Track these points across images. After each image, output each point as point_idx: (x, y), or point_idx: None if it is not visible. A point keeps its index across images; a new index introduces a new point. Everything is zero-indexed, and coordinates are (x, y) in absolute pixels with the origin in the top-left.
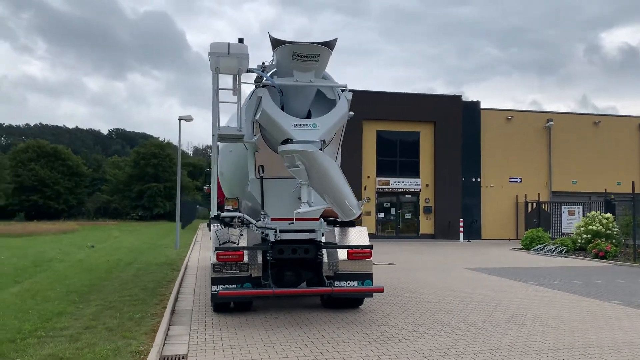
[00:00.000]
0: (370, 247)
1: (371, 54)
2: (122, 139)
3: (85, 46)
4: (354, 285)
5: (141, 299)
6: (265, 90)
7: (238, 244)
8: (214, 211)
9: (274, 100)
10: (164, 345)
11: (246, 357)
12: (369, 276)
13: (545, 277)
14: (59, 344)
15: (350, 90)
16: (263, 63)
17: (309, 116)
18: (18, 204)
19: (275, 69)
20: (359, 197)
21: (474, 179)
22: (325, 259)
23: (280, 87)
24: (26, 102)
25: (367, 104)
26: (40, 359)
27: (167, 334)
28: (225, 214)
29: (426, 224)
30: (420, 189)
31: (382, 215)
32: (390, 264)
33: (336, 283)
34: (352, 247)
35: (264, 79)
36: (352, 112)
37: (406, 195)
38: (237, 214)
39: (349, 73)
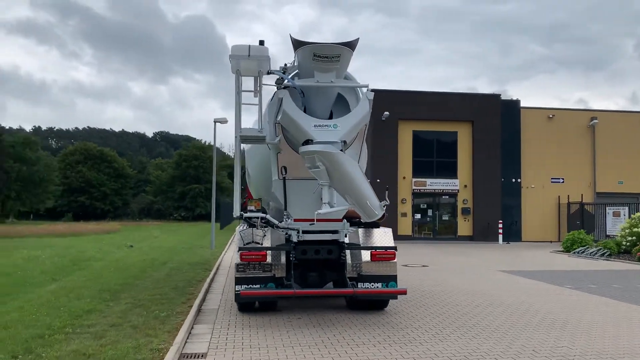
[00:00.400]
0: (395, 248)
1: (411, 53)
2: (166, 141)
3: (129, 51)
4: (377, 287)
5: (169, 297)
6: (286, 92)
7: (262, 244)
8: (236, 212)
9: (295, 101)
10: (185, 344)
11: (264, 356)
12: (393, 278)
13: (583, 281)
14: (84, 341)
15: (372, 90)
16: (285, 65)
17: (331, 117)
18: (66, 205)
19: (297, 71)
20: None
21: (513, 180)
22: (348, 260)
23: (301, 88)
24: (75, 106)
25: (403, 104)
26: (65, 355)
27: (190, 333)
28: (248, 214)
29: (464, 226)
30: (458, 190)
31: (418, 216)
32: (424, 266)
33: (360, 284)
34: (376, 248)
35: (285, 80)
36: (387, 113)
37: (443, 197)
38: (259, 214)
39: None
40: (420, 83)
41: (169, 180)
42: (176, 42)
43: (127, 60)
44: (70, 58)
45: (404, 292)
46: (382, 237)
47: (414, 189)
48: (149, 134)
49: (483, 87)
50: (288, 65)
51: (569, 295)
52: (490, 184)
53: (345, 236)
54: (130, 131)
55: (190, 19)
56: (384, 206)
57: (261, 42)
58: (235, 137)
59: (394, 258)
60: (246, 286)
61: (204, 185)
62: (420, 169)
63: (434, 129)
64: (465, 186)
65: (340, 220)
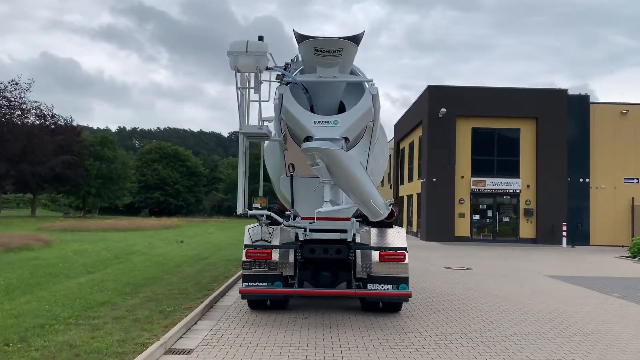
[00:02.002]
0: (405, 249)
1: (486, 48)
2: None
3: (203, 53)
4: (387, 289)
5: (187, 293)
6: (287, 88)
7: (270, 242)
8: (240, 208)
9: (299, 97)
10: (179, 339)
11: (248, 355)
12: (404, 280)
13: (636, 289)
14: (80, 332)
15: (373, 86)
16: (292, 60)
17: (341, 112)
18: (143, 201)
19: (302, 66)
20: (391, 197)
21: (581, 180)
22: (359, 261)
23: (305, 84)
24: (154, 107)
25: (462, 99)
26: (53, 345)
27: (189, 328)
28: (252, 211)
29: (527, 228)
30: (521, 190)
31: (477, 217)
32: (467, 269)
33: (369, 286)
34: (385, 248)
35: (285, 76)
36: (444, 109)
37: (504, 197)
38: (265, 211)
39: (463, 70)
40: (496, 79)
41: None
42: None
43: (201, 62)
44: (149, 61)
45: (408, 295)
46: (395, 237)
47: (472, 189)
48: (225, 134)
49: (563, 82)
50: (293, 60)
51: (610, 305)
52: (556, 184)
53: (355, 235)
54: (207, 131)
55: (260, 20)
56: (389, 205)
57: (260, 38)
58: (240, 133)
59: (404, 259)
60: (253, 284)
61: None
62: (480, 168)
63: (495, 125)
64: (528, 186)
65: (349, 219)
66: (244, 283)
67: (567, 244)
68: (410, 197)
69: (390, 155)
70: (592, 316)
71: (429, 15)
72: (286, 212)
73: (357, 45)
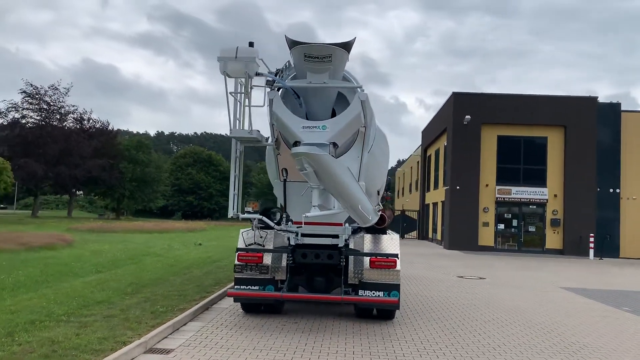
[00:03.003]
0: (396, 255)
1: (524, 55)
2: None
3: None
4: (379, 296)
5: (186, 294)
6: (277, 93)
7: (264, 246)
8: (230, 212)
9: (289, 103)
10: (164, 339)
11: (225, 357)
12: (395, 287)
13: None
14: (66, 329)
15: (363, 92)
16: (285, 65)
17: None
18: (176, 204)
19: (295, 72)
20: (379, 203)
21: (611, 190)
22: (351, 267)
23: (296, 90)
24: (190, 112)
25: (487, 107)
26: (36, 340)
27: (177, 329)
28: (244, 215)
29: (553, 238)
30: (547, 200)
31: (502, 226)
32: (480, 278)
33: (361, 292)
34: (376, 255)
35: (275, 82)
36: (468, 116)
37: (530, 206)
38: (256, 215)
39: (500, 76)
40: (535, 86)
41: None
42: (280, 49)
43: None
44: (185, 67)
45: (394, 302)
46: (388, 243)
47: (497, 198)
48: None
49: (604, 89)
50: (286, 66)
51: (615, 319)
52: (584, 194)
53: (346, 241)
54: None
55: (292, 27)
56: (378, 211)
57: (251, 44)
58: (232, 138)
59: (395, 266)
60: (245, 287)
61: None
62: (505, 176)
63: (521, 134)
64: (555, 196)
65: (341, 225)
66: (235, 286)
67: (594, 256)
68: (435, 204)
69: (417, 162)
70: (592, 330)
71: (465, 21)
72: (262, 217)
73: (348, 52)
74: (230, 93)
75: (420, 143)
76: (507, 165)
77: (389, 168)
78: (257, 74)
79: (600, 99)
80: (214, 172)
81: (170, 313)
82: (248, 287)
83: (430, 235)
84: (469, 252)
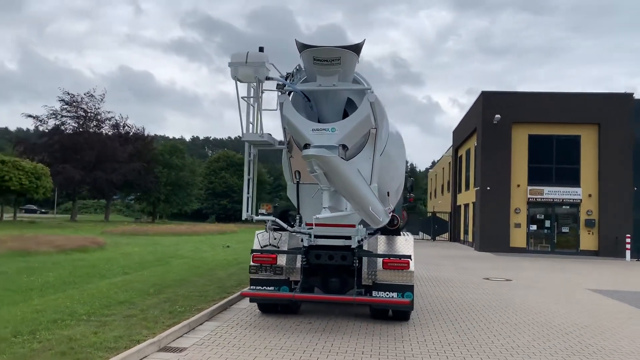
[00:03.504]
0: (409, 257)
1: (560, 52)
2: None
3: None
4: (393, 297)
5: (206, 295)
6: (287, 97)
7: (279, 247)
8: (244, 214)
9: (300, 106)
10: (179, 338)
11: (235, 355)
12: (409, 288)
13: None
14: (86, 328)
15: (372, 94)
16: (296, 69)
17: None
18: (210, 207)
19: (306, 76)
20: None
21: None
22: (364, 268)
23: (307, 93)
24: (223, 117)
25: (517, 106)
26: (56, 338)
27: (193, 328)
28: (258, 217)
29: (588, 239)
30: (581, 200)
31: (534, 227)
32: (507, 280)
33: (374, 293)
34: (389, 256)
35: (286, 85)
36: (498, 115)
37: (564, 206)
38: (270, 217)
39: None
40: (571, 84)
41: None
42: None
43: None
44: (217, 73)
45: (406, 303)
46: (402, 245)
47: (529, 198)
48: None
49: None
50: (297, 69)
51: (638, 320)
52: (620, 193)
53: (359, 242)
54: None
55: (322, 29)
56: (389, 212)
57: (261, 49)
58: (245, 141)
59: (408, 267)
60: (260, 287)
61: None
62: (537, 176)
63: (553, 132)
64: (590, 195)
65: (354, 226)
66: (250, 287)
67: (631, 258)
68: (466, 206)
69: (449, 163)
70: (613, 332)
71: (498, 19)
72: (275, 219)
73: (358, 54)
74: (242, 97)
75: (451, 143)
76: (538, 165)
77: (409, 168)
78: (268, 78)
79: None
80: None
81: (188, 313)
82: (263, 288)
83: (461, 237)
84: (500, 254)
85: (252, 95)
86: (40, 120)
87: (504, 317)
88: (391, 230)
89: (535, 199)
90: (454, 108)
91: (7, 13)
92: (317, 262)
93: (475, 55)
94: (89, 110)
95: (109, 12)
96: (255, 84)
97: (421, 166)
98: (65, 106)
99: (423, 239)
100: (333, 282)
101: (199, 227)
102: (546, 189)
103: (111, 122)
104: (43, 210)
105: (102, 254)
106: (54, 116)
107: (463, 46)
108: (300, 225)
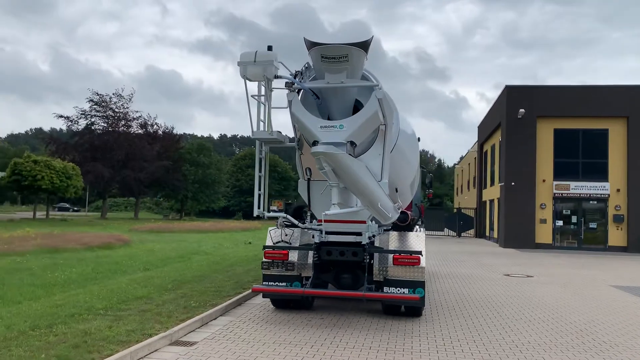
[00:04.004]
0: (420, 253)
1: (591, 44)
2: None
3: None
4: (404, 293)
5: (222, 290)
6: (295, 95)
7: (290, 243)
8: (256, 211)
9: (310, 104)
10: (191, 332)
11: (243, 349)
12: (420, 284)
13: None
14: (101, 322)
15: (380, 90)
16: (306, 67)
17: None
18: (237, 205)
19: (315, 73)
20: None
21: None
22: (376, 264)
23: (316, 90)
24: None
25: (543, 99)
26: (71, 331)
27: (206, 323)
28: (269, 214)
29: (616, 235)
30: (609, 195)
31: (560, 223)
32: (528, 276)
33: (385, 289)
34: (399, 252)
35: (294, 83)
36: (522, 110)
37: (591, 202)
38: (281, 214)
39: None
40: (603, 76)
41: None
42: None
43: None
44: None
45: (415, 299)
46: (413, 241)
47: (555, 193)
48: None
49: None
50: (306, 67)
51: None
52: None
53: (370, 238)
54: None
55: (345, 25)
56: (398, 208)
57: (269, 48)
58: (256, 139)
59: (418, 263)
60: (272, 283)
61: None
62: (563, 171)
63: (580, 126)
64: (618, 190)
65: (364, 222)
66: (263, 282)
67: None
68: (492, 202)
69: (474, 158)
70: (630, 329)
71: (526, 11)
72: (286, 215)
73: (366, 51)
74: (253, 96)
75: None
76: (565, 159)
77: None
78: (276, 77)
79: None
80: (272, 172)
81: (202, 308)
82: (275, 284)
83: (487, 234)
84: (524, 250)
85: (262, 93)
86: (71, 121)
87: (519, 313)
88: (404, 226)
89: (562, 194)
90: (481, 103)
91: (38, 16)
92: (329, 258)
93: (503, 49)
94: (117, 110)
95: (137, 13)
96: (264, 82)
97: (449, 162)
98: (94, 106)
99: (449, 235)
100: (345, 278)
101: (223, 224)
102: (573, 184)
103: (139, 122)
104: (75, 209)
105: (126, 250)
106: (83, 116)
107: (491, 40)
108: (311, 222)
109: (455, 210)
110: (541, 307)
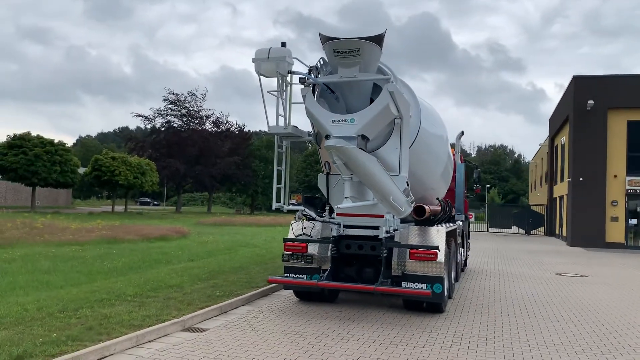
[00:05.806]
0: (436, 248)
1: None
2: None
3: None
4: (422, 288)
5: (251, 281)
6: (308, 90)
7: (311, 236)
8: (274, 204)
9: (326, 98)
10: (207, 319)
11: (250, 337)
12: (437, 280)
13: None
14: (124, 307)
15: (392, 84)
16: (321, 62)
17: None
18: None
19: (330, 68)
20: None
21: None
22: (394, 258)
23: (330, 85)
24: None
25: (614, 90)
26: (94, 315)
27: (225, 311)
28: (288, 207)
29: None
30: None
31: (634, 221)
32: (582, 276)
33: (403, 283)
34: (416, 247)
35: (308, 78)
36: (591, 101)
37: None
38: (299, 207)
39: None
40: None
41: None
42: (401, 43)
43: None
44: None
45: (427, 294)
46: (432, 236)
47: (628, 190)
48: None
49: None
50: (319, 62)
51: None
52: None
53: (387, 232)
54: None
55: (412, 19)
56: (411, 202)
57: (283, 44)
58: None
59: (435, 258)
60: (293, 275)
61: None
62: (637, 166)
63: None
64: None
65: (382, 216)
66: (285, 274)
67: None
68: (561, 198)
69: (547, 153)
70: None
71: None
72: (304, 208)
73: (379, 45)
74: (269, 92)
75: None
76: (638, 153)
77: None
78: (290, 72)
79: None
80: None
81: (224, 298)
82: (296, 276)
83: (557, 232)
84: (593, 250)
85: (277, 89)
86: (148, 119)
87: (552, 313)
88: (425, 221)
89: (636, 190)
90: (560, 95)
91: (120, 21)
92: (347, 252)
93: (585, 38)
94: (191, 109)
95: (211, 15)
96: (279, 78)
97: (528, 157)
98: (170, 105)
99: (517, 233)
100: (365, 271)
101: (283, 219)
102: None
103: (211, 119)
104: (156, 203)
105: (180, 242)
106: (159, 115)
107: (571, 29)
108: (330, 216)
109: (521, 207)
110: (580, 307)
